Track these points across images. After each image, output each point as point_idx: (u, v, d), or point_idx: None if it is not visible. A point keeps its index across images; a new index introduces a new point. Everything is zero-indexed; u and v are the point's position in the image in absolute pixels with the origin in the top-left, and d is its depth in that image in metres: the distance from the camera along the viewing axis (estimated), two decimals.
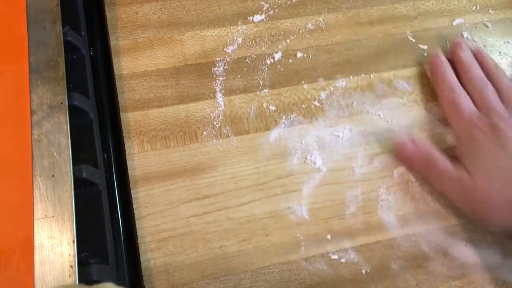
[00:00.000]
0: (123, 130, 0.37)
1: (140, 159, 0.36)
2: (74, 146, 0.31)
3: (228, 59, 0.41)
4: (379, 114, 0.39)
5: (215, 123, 0.38)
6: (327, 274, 0.34)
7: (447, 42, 0.43)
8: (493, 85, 0.38)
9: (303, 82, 0.40)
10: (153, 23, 0.41)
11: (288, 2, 0.44)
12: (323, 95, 0.40)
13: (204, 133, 0.37)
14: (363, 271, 0.34)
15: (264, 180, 0.36)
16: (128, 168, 0.35)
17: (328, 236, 0.35)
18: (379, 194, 0.37)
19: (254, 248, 0.34)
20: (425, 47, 0.43)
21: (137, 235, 0.33)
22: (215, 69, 0.40)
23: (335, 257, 0.34)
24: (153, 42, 0.41)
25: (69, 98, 0.33)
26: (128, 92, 0.38)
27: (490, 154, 0.34)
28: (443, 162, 0.35)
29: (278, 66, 0.41)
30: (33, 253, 0.28)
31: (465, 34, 0.44)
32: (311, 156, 0.37)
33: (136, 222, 0.34)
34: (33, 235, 0.28)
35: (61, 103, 0.32)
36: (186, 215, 0.35)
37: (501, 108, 0.36)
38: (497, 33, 0.44)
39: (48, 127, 0.32)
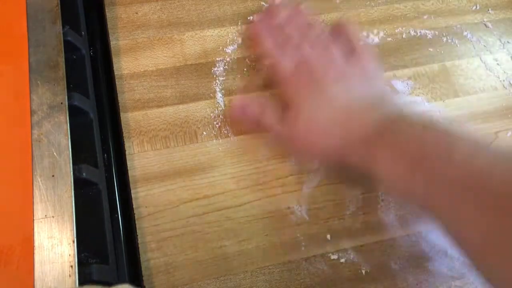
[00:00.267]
0: (123, 130, 0.37)
1: (140, 159, 0.36)
2: (74, 146, 0.31)
3: (228, 59, 0.41)
4: None
5: (215, 123, 0.38)
6: (327, 274, 0.34)
7: None
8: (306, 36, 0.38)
9: None
10: (153, 23, 0.41)
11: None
12: None
13: (204, 133, 0.37)
14: (363, 271, 0.34)
15: (264, 180, 0.36)
16: (128, 168, 0.35)
17: (328, 236, 0.35)
18: (379, 194, 0.37)
19: (254, 248, 0.34)
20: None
21: (137, 235, 0.33)
22: (215, 69, 0.40)
23: (335, 257, 0.34)
24: (153, 42, 0.41)
25: (69, 98, 0.33)
26: (128, 92, 0.38)
27: (307, 98, 0.34)
28: (269, 117, 0.36)
29: None
30: (33, 253, 0.28)
31: (465, 34, 0.44)
32: None
33: (136, 222, 0.34)
34: (33, 235, 0.28)
35: (61, 103, 0.32)
36: (186, 215, 0.35)
37: (310, 51, 0.36)
38: (497, 33, 0.44)
39: (48, 127, 0.32)
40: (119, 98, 0.38)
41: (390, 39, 0.43)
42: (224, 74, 0.40)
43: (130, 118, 0.37)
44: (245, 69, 0.40)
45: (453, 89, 0.41)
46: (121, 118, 0.37)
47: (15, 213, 0.29)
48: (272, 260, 0.34)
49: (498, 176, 0.26)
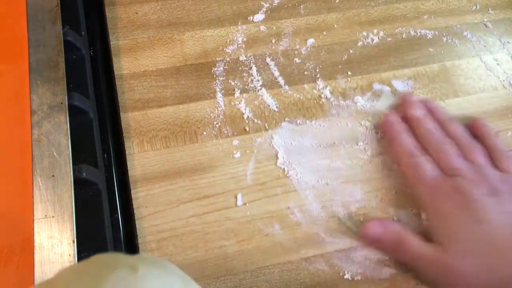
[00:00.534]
0: (123, 130, 0.37)
1: (140, 159, 0.36)
2: (74, 146, 0.32)
3: (228, 59, 0.41)
4: (379, 113, 0.39)
5: (215, 123, 0.38)
6: (327, 274, 0.34)
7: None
8: (449, 137, 0.35)
9: (303, 82, 0.40)
10: (153, 23, 0.41)
11: (288, 2, 0.44)
12: (323, 95, 0.40)
13: (204, 133, 0.37)
14: (363, 271, 0.34)
15: (264, 180, 0.36)
16: (128, 168, 0.35)
17: (328, 236, 0.35)
18: (379, 194, 0.37)
19: (254, 248, 0.34)
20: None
21: (137, 235, 0.33)
22: (215, 69, 0.40)
23: (335, 257, 0.34)
24: (153, 42, 0.41)
25: (69, 98, 0.33)
26: (128, 92, 0.38)
27: (460, 226, 0.31)
28: (414, 240, 0.32)
29: (278, 66, 0.41)
30: (33, 253, 0.28)
31: (465, 34, 0.44)
32: None
33: (136, 222, 0.34)
34: (33, 235, 0.28)
35: (61, 103, 0.32)
36: (186, 215, 0.35)
37: (461, 163, 0.33)
38: (497, 33, 0.44)
39: (48, 127, 0.32)
40: (119, 98, 0.38)
41: (390, 39, 0.43)
42: (224, 74, 0.40)
43: (130, 118, 0.37)
44: (245, 69, 0.40)
45: (453, 89, 0.41)
46: (121, 118, 0.37)
47: (15, 213, 0.29)
48: (272, 260, 0.34)
49: None
